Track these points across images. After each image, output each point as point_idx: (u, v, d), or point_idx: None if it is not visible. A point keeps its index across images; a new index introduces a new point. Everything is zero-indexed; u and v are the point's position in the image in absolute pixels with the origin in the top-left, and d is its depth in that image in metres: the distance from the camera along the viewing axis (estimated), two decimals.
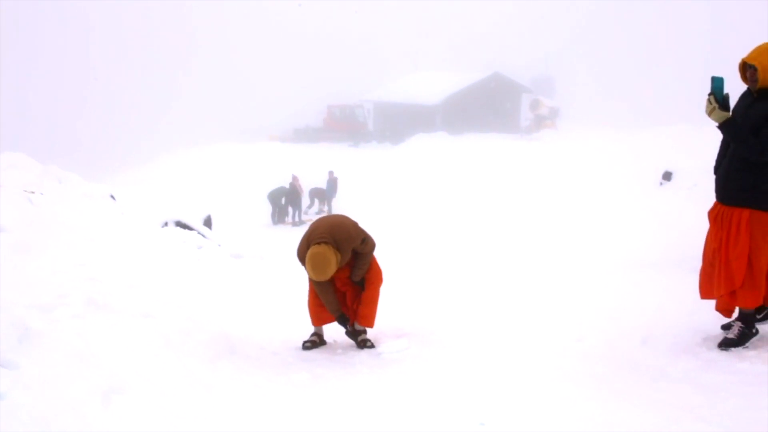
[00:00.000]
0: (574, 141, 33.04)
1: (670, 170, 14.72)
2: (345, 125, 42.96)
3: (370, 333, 5.10)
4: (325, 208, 21.98)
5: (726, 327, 4.42)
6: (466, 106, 42.04)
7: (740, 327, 4.23)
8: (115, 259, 5.88)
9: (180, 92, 64.82)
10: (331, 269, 4.64)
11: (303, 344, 5.09)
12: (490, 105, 42.92)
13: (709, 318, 4.73)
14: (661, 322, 4.89)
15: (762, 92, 4.08)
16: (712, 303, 5.27)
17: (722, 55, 48.52)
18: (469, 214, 16.84)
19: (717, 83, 4.09)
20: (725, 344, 4.21)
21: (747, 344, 4.18)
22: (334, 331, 5.19)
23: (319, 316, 5.12)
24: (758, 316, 4.37)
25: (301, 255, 4.85)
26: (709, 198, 10.17)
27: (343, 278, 5.03)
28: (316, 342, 5.13)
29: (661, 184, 14.69)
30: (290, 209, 21.17)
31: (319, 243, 4.68)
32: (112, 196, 8.70)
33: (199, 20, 76.43)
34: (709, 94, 4.10)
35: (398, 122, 42.51)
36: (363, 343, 5.01)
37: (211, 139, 38.82)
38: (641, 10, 68.21)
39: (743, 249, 4.10)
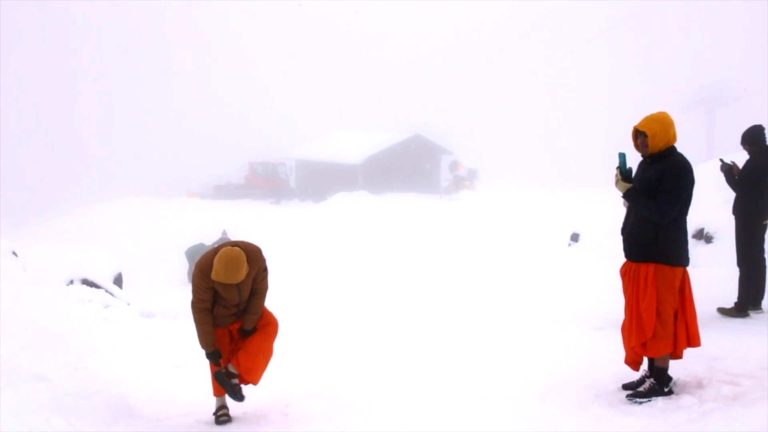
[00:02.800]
0: (490, 202, 34.12)
1: (577, 232, 15.37)
2: (267, 182, 42.86)
3: (280, 389, 5.00)
4: None
5: (628, 387, 4.61)
6: (387, 165, 42.79)
7: (652, 383, 4.42)
8: (9, 318, 5.63)
9: (98, 144, 63.21)
10: (242, 272, 4.42)
11: (217, 418, 4.76)
12: (411, 165, 43.86)
13: (603, 375, 4.96)
14: (559, 378, 5.07)
15: (653, 157, 4.47)
16: (608, 360, 5.54)
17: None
18: (388, 273, 16.96)
19: (621, 158, 4.55)
20: (634, 396, 4.41)
21: (650, 399, 4.34)
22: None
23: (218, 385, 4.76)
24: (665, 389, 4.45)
25: (205, 262, 4.54)
26: (613, 258, 10.67)
27: (235, 331, 4.78)
28: (227, 414, 4.80)
29: (569, 245, 15.29)
30: None
31: (232, 246, 4.53)
32: (14, 252, 8.35)
33: (120, 74, 75.33)
34: (617, 168, 4.54)
35: (320, 180, 42.77)
36: (233, 390, 4.65)
37: (126, 192, 37.89)
38: (562, 72, 71.86)
39: (651, 301, 4.34)
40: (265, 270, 4.76)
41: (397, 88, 75.43)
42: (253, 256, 4.61)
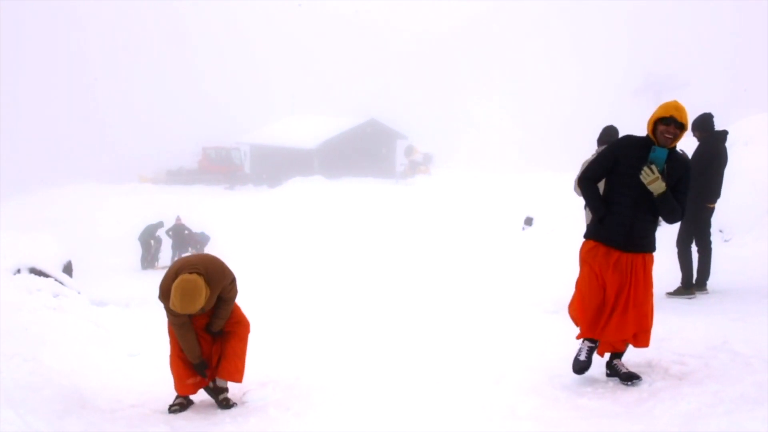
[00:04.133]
0: (446, 186, 34.37)
1: (531, 216, 15.61)
2: (221, 167, 42.28)
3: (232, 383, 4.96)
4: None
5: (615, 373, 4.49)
6: (343, 150, 42.65)
7: (589, 346, 4.45)
8: None
9: (44, 129, 61.28)
10: (200, 302, 4.33)
11: (170, 408, 4.71)
12: (366, 150, 43.78)
13: (557, 357, 5.07)
14: (514, 362, 5.16)
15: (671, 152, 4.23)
16: (561, 343, 5.65)
17: (590, 110, 52.24)
18: (345, 258, 16.96)
19: (660, 154, 4.14)
20: (631, 378, 4.36)
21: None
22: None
23: (183, 382, 4.71)
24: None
25: (167, 286, 4.46)
26: (566, 242, 10.85)
27: (200, 328, 4.71)
28: (184, 404, 4.75)
29: (523, 228, 15.53)
30: (172, 251, 20.28)
31: (191, 272, 4.39)
32: None
33: (73, 57, 73.00)
34: (650, 163, 4.15)
35: (275, 165, 42.38)
36: (225, 403, 4.74)
37: (75, 178, 36.88)
38: (516, 59, 72.45)
39: (651, 290, 4.36)
40: (231, 282, 4.70)
41: (350, 73, 75.06)
42: (214, 277, 4.51)
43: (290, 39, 78.09)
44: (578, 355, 4.46)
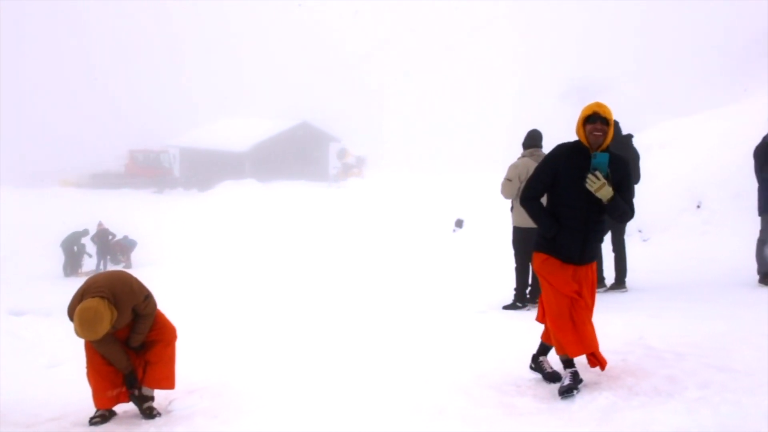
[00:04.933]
0: (379, 188, 34.55)
1: (461, 218, 15.89)
2: (149, 171, 41.22)
3: (160, 390, 4.86)
4: (122, 264, 20.28)
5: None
6: (275, 153, 42.29)
7: (572, 371, 4.24)
8: None
9: None
10: (103, 328, 4.18)
11: (90, 420, 4.54)
12: (298, 153, 43.55)
13: (485, 357, 5.19)
14: (443, 361, 5.24)
15: (603, 150, 4.10)
16: (489, 342, 5.79)
17: (517, 113, 53.31)
18: (277, 261, 16.81)
19: (602, 158, 4.02)
20: (567, 391, 4.13)
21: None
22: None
23: (101, 395, 4.53)
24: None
25: (72, 309, 4.30)
26: (494, 244, 11.04)
27: (123, 340, 4.58)
28: (106, 416, 4.59)
29: (454, 231, 15.79)
30: (97, 258, 19.61)
31: (94, 296, 4.22)
32: None
33: None
34: (593, 170, 4.03)
35: (206, 169, 41.64)
36: (149, 412, 4.60)
37: None
38: (446, 62, 73.36)
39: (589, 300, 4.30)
40: (146, 298, 4.55)
41: (283, 75, 74.43)
42: (123, 298, 4.35)
43: (219, 39, 76.83)
44: (563, 381, 4.25)
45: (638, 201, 8.20)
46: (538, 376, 4.61)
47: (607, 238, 8.07)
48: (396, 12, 77.37)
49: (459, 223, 15.83)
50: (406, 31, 73.55)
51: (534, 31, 70.34)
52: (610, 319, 5.75)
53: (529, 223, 7.49)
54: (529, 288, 7.64)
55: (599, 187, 4.01)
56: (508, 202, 7.80)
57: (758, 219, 7.48)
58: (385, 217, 24.95)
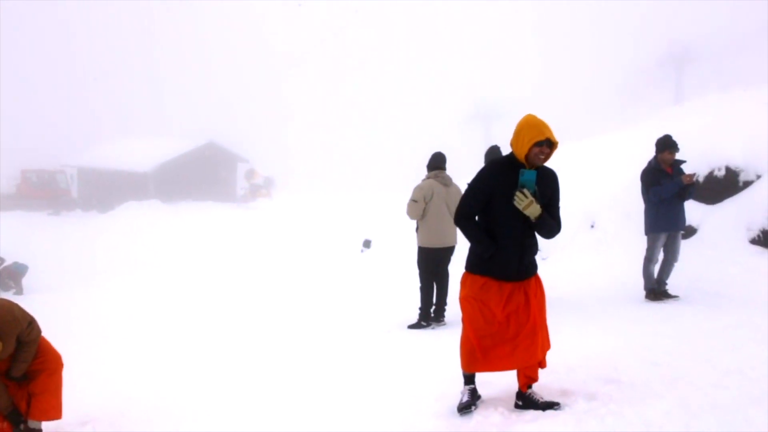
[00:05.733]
0: (287, 209, 34.30)
1: (369, 238, 15.99)
2: (43, 192, 39.08)
3: (52, 423, 4.60)
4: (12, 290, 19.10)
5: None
6: (180, 173, 41.20)
7: (470, 389, 4.34)
8: None
9: None
10: None
11: None
12: (205, 173, 42.63)
13: (392, 375, 5.22)
14: (354, 380, 5.23)
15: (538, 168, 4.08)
16: (395, 359, 5.83)
17: (423, 136, 54.36)
18: (183, 283, 16.32)
19: (529, 176, 3.96)
20: (465, 408, 4.20)
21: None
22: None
23: None
24: None
25: None
26: (401, 264, 11.13)
27: (2, 374, 4.35)
28: None
29: (362, 251, 15.85)
30: None
31: None
32: None
33: None
34: (521, 187, 3.97)
35: (107, 189, 40.00)
36: None
37: None
38: (351, 83, 73.96)
39: (544, 311, 4.25)
40: (29, 324, 4.33)
41: (186, 94, 72.92)
42: (4, 328, 4.13)
43: (120, 56, 74.51)
44: (461, 398, 4.31)
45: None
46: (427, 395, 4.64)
47: None
48: (305, 30, 77.62)
49: (366, 244, 15.92)
50: (314, 52, 73.83)
51: (440, 54, 72.26)
52: None
53: (433, 243, 7.68)
54: (434, 307, 7.78)
55: (527, 204, 3.96)
56: (414, 223, 7.95)
57: (645, 238, 7.96)
58: (293, 237, 24.78)
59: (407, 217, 7.86)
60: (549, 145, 4.00)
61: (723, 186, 9.89)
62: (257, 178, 42.59)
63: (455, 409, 4.27)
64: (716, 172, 10.04)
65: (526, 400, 4.24)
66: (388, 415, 4.34)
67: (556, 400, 4.17)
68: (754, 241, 8.90)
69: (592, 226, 11.11)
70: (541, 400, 4.19)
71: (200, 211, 34.54)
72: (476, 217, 4.24)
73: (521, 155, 4.03)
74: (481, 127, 56.44)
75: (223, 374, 5.97)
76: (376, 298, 10.34)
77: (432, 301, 7.76)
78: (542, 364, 4.31)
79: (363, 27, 75.09)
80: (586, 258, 10.42)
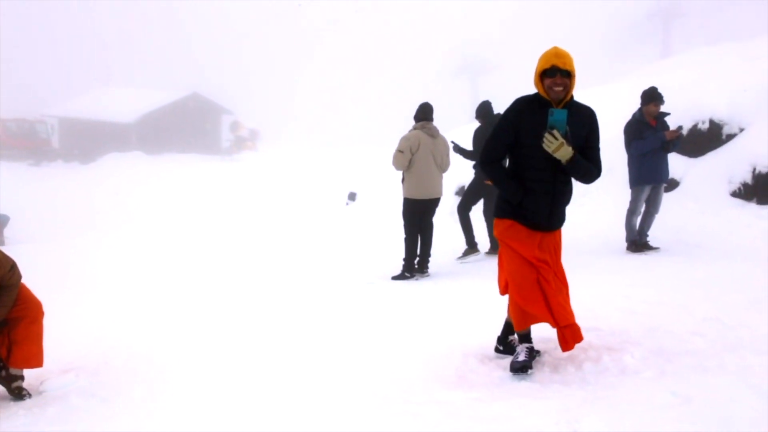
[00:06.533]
0: (273, 162, 34.07)
1: (354, 191, 15.95)
2: (23, 142, 38.49)
3: (34, 371, 4.60)
4: None
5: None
6: (163, 125, 40.69)
7: (528, 347, 3.97)
8: None
9: None
10: None
11: None
12: (189, 125, 42.13)
13: (378, 328, 5.26)
14: (340, 333, 5.27)
15: (567, 104, 3.74)
16: (379, 311, 5.88)
17: (410, 88, 53.79)
18: (166, 236, 16.27)
19: (559, 116, 3.63)
20: (521, 369, 3.83)
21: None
22: None
23: None
24: None
25: None
26: (386, 216, 11.13)
27: None
28: None
29: (347, 203, 15.83)
30: None
31: None
32: None
33: None
34: (550, 128, 3.64)
35: (88, 140, 39.46)
36: (17, 392, 4.39)
37: None
38: (338, 35, 72.81)
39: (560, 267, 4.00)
40: (11, 268, 4.32)
41: (173, 45, 71.44)
42: None
43: (105, 7, 72.56)
44: (516, 356, 3.92)
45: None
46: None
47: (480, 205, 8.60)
48: None
49: (352, 196, 15.89)
50: (298, 7, 72.32)
51: (428, 7, 71.11)
52: (489, 285, 5.98)
53: (418, 194, 7.66)
54: (417, 258, 7.82)
55: (557, 147, 3.63)
56: (400, 174, 7.93)
57: (628, 191, 8.01)
58: (279, 190, 24.70)
59: (393, 168, 7.84)
60: (564, 74, 3.63)
61: (706, 139, 9.90)
62: (242, 131, 42.14)
63: (441, 373, 4.00)
64: (700, 125, 10.05)
65: (506, 346, 4.16)
66: (373, 380, 4.35)
67: (536, 347, 4.23)
68: (734, 194, 8.97)
69: None
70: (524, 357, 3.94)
71: (184, 163, 34.25)
72: (505, 161, 3.96)
73: (540, 90, 3.74)
74: (468, 80, 55.96)
75: (207, 325, 5.99)
76: (361, 250, 10.38)
77: (416, 252, 7.80)
78: (576, 331, 3.76)
79: None
80: (570, 211, 10.47)
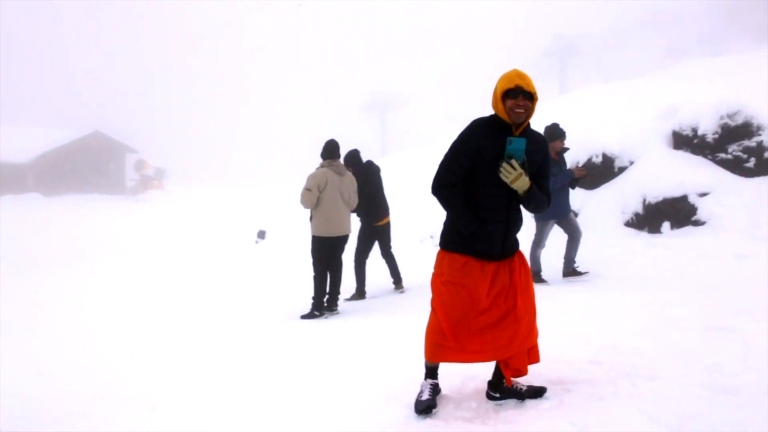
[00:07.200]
0: (180, 201, 33.25)
1: (263, 229, 15.75)
2: None
3: None
4: None
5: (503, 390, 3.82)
6: (63, 165, 39.04)
7: (431, 384, 3.85)
8: None
9: None
10: None
11: None
12: (91, 165, 40.62)
13: (287, 364, 5.15)
14: (251, 370, 5.12)
15: (522, 130, 3.56)
16: (288, 349, 5.77)
17: (319, 125, 53.94)
18: (68, 277, 15.48)
19: (518, 145, 3.44)
20: (425, 410, 3.68)
21: None
22: None
23: None
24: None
25: None
26: (295, 253, 11.02)
27: None
28: None
29: (256, 242, 15.59)
30: None
31: None
32: None
33: None
34: (508, 157, 3.46)
35: None
36: None
37: None
38: (250, 72, 72.45)
39: (532, 293, 3.74)
40: None
41: (74, 83, 69.09)
42: None
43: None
44: (420, 395, 3.81)
45: (429, 210, 8.78)
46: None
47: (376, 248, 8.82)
48: (198, 18, 75.28)
49: (261, 234, 15.68)
50: (206, 41, 71.76)
51: (338, 43, 72.10)
52: (398, 321, 6.00)
53: (326, 231, 7.64)
54: (327, 296, 7.77)
55: (515, 178, 3.44)
56: (308, 212, 7.91)
57: (534, 223, 8.28)
58: (188, 229, 24.06)
59: (301, 207, 7.81)
60: (527, 96, 3.46)
61: (600, 172, 10.44)
62: (148, 169, 41.02)
63: (346, 413, 3.95)
64: (594, 159, 10.58)
65: (505, 391, 3.85)
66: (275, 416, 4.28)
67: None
68: (628, 224, 9.47)
69: None
70: (523, 388, 3.83)
71: (86, 204, 32.93)
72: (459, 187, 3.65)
73: (500, 112, 3.51)
74: (378, 116, 56.89)
75: (109, 368, 5.70)
76: (270, 289, 10.22)
77: (325, 290, 7.76)
78: (532, 355, 3.74)
79: (259, 17, 73.64)
80: None
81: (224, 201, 30.93)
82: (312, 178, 7.67)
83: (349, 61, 70.80)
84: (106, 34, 73.76)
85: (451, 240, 3.66)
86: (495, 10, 63.05)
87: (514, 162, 3.44)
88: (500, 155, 3.47)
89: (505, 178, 3.44)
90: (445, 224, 3.74)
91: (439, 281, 3.69)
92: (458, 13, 66.58)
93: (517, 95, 3.44)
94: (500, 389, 3.84)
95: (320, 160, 7.93)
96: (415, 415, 3.72)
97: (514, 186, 3.46)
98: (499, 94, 3.47)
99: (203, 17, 74.98)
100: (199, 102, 70.28)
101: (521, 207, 3.69)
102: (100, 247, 21.99)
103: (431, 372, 3.85)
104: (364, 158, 8.97)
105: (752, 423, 3.05)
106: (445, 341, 3.61)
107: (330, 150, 7.90)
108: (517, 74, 3.46)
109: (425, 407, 3.69)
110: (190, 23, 75.65)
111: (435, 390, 3.84)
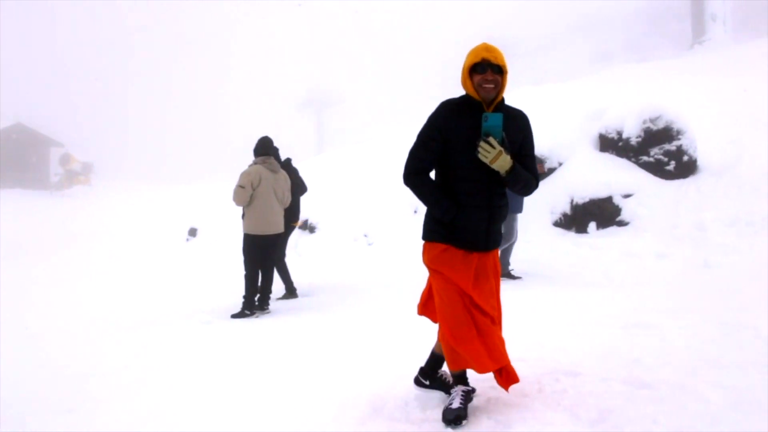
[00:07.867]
0: (109, 197, 32.26)
1: (195, 227, 15.45)
2: None
3: None
4: None
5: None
6: None
7: (464, 390, 3.46)
8: None
9: None
10: None
11: None
12: (12, 158, 38.88)
13: (214, 368, 5.05)
14: (171, 375, 4.99)
15: (498, 106, 3.30)
16: (209, 354, 5.66)
17: (253, 122, 53.39)
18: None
19: (494, 121, 3.13)
20: (455, 420, 3.28)
21: None
22: None
23: None
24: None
25: None
26: (226, 253, 10.85)
27: None
28: None
29: (187, 239, 15.28)
30: None
31: None
32: None
33: None
34: (485, 135, 3.15)
35: None
36: None
37: None
38: (185, 66, 70.85)
39: (499, 295, 3.50)
40: None
41: None
42: None
43: None
44: (450, 403, 3.39)
45: (362, 209, 8.78)
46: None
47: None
48: (138, 10, 73.13)
49: (192, 232, 15.36)
50: (139, 35, 69.83)
51: (273, 42, 71.34)
52: (328, 319, 5.97)
53: (259, 229, 7.53)
54: (258, 296, 7.67)
55: (495, 156, 3.13)
56: (240, 210, 7.79)
57: None
58: (115, 226, 23.33)
59: (234, 204, 7.68)
60: (495, 70, 3.21)
61: None
62: (74, 164, 39.56)
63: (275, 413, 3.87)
64: None
65: (435, 380, 3.73)
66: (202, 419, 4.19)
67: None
68: (556, 224, 9.71)
69: (416, 212, 11.53)
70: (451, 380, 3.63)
71: (7, 199, 31.49)
72: (431, 173, 3.40)
73: (469, 89, 3.26)
74: (314, 113, 56.62)
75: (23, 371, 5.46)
76: (200, 288, 10.04)
77: (257, 289, 7.66)
78: (510, 372, 3.39)
79: (195, 11, 72.11)
80: (410, 242, 10.81)
81: (155, 198, 30.15)
82: (245, 175, 7.56)
83: (285, 58, 70.17)
84: (34, 22, 70.82)
85: (431, 230, 3.39)
86: (432, 10, 63.67)
87: (491, 140, 3.14)
88: (476, 135, 3.19)
89: (483, 158, 3.15)
90: (426, 213, 3.47)
91: (431, 277, 3.46)
92: (396, 11, 66.93)
93: (485, 69, 3.20)
94: (431, 377, 3.72)
95: (253, 158, 7.83)
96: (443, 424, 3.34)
97: (494, 166, 3.16)
98: (466, 71, 3.24)
99: (131, 11, 72.89)
100: (130, 98, 68.31)
101: (506, 192, 3.42)
102: (22, 244, 21.11)
103: (459, 379, 3.49)
104: (285, 156, 8.91)
105: (664, 413, 3.18)
106: (454, 350, 3.32)
107: (264, 147, 7.82)
108: (484, 47, 3.23)
109: (454, 417, 3.29)
110: (122, 15, 73.41)
111: (467, 397, 3.42)
